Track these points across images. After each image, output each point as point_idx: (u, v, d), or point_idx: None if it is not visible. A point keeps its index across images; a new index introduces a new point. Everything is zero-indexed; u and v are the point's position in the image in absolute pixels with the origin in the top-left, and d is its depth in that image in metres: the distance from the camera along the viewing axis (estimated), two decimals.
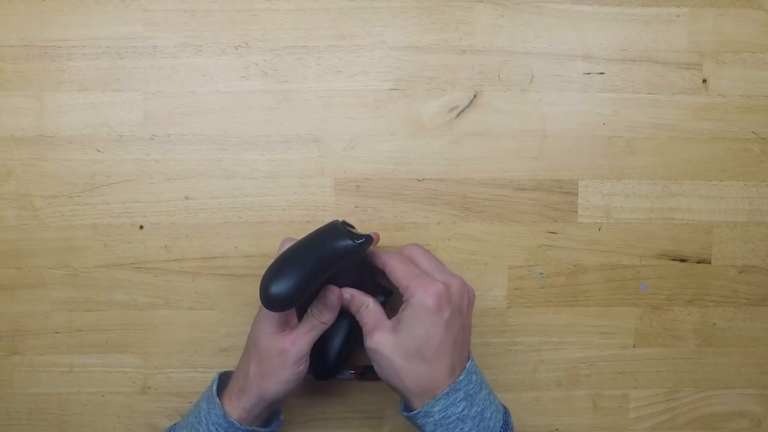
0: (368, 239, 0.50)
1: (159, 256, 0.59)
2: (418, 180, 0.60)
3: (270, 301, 0.47)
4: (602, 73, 0.60)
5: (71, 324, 0.59)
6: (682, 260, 0.61)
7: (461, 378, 0.48)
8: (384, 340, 0.48)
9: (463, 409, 0.48)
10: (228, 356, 0.60)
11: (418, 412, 0.48)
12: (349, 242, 0.49)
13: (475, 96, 0.60)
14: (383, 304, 0.54)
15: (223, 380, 0.54)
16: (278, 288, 0.47)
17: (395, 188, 0.60)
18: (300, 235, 0.59)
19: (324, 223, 0.52)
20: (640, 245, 0.61)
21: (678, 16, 0.61)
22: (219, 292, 0.59)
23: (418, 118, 0.60)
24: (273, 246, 0.59)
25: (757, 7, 0.61)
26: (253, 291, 0.59)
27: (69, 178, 0.58)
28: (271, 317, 0.51)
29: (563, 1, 0.60)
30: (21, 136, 0.58)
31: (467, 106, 0.60)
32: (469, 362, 0.50)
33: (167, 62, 0.58)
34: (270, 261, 0.60)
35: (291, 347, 0.50)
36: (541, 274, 0.61)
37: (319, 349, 0.53)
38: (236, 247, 0.59)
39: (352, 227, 0.52)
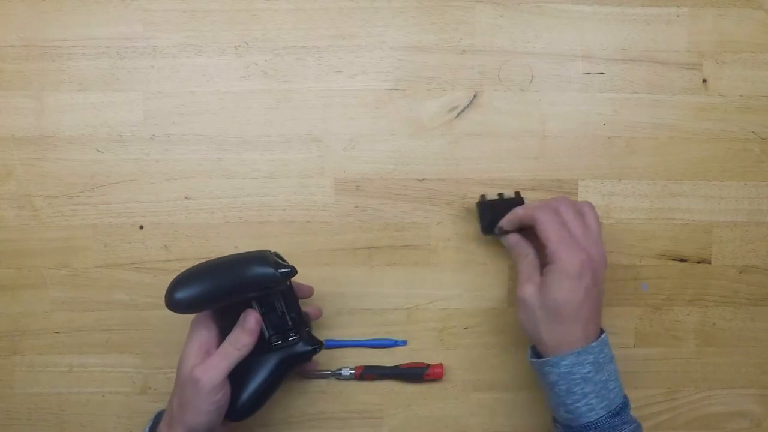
0: (291, 271, 0.51)
1: (159, 256, 0.59)
2: (418, 180, 0.60)
3: (170, 298, 0.49)
4: (602, 73, 0.60)
5: (71, 324, 0.59)
6: (682, 260, 0.61)
7: (594, 344, 0.50)
8: (532, 295, 0.51)
9: (589, 371, 0.50)
10: None
11: (547, 360, 0.51)
12: (270, 270, 0.50)
13: (475, 96, 0.60)
14: (310, 355, 0.54)
15: (160, 419, 0.52)
16: (183, 289, 0.49)
17: (395, 188, 0.60)
18: (299, 236, 0.59)
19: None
20: (640, 245, 0.61)
21: (678, 16, 0.60)
22: None
23: (418, 118, 0.60)
24: (273, 246, 0.59)
25: (757, 7, 0.61)
26: None
27: (69, 178, 0.58)
28: (192, 346, 0.50)
29: (563, 1, 0.60)
30: (21, 136, 0.58)
31: (467, 106, 0.60)
32: (604, 335, 0.52)
33: (167, 62, 0.58)
34: None
35: (202, 376, 0.48)
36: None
37: (235, 385, 0.51)
38: (236, 247, 0.59)
39: (283, 260, 0.52)
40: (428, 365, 0.59)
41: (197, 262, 0.59)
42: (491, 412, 0.61)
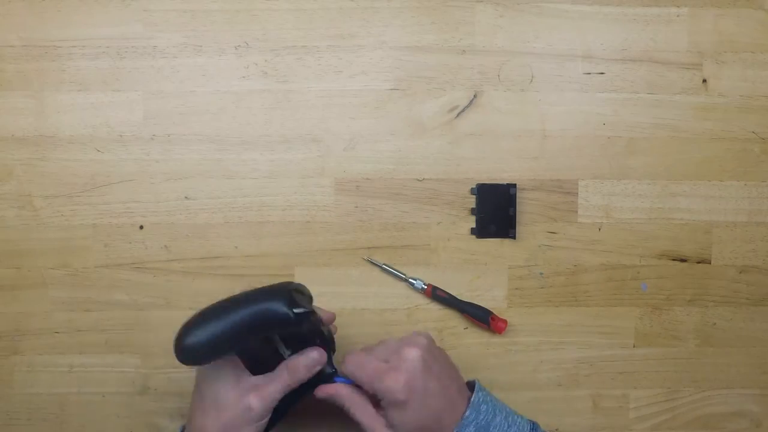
0: (305, 315, 0.47)
1: (159, 256, 0.59)
2: (418, 180, 0.60)
3: (182, 354, 0.45)
4: (602, 73, 0.60)
5: (71, 324, 0.59)
6: (682, 260, 0.61)
7: (467, 414, 0.49)
8: None
9: None
10: None
11: None
12: (284, 310, 0.46)
13: (475, 96, 0.60)
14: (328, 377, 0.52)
15: None
16: (192, 341, 0.45)
17: (395, 188, 0.60)
18: (299, 236, 0.59)
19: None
20: (640, 245, 0.61)
21: (678, 16, 0.61)
22: (219, 292, 0.59)
23: (418, 118, 0.60)
24: (273, 246, 0.59)
25: (757, 7, 0.61)
26: None
27: (69, 178, 0.58)
28: (228, 370, 0.49)
29: (563, 1, 0.60)
30: (21, 136, 0.58)
31: (467, 106, 0.60)
32: (475, 394, 0.50)
33: (167, 62, 0.58)
34: (269, 260, 0.60)
35: (257, 405, 0.48)
36: (541, 274, 0.61)
37: None
38: (236, 247, 0.59)
39: (302, 293, 0.49)
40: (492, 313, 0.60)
41: (199, 262, 0.59)
42: None
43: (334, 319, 0.55)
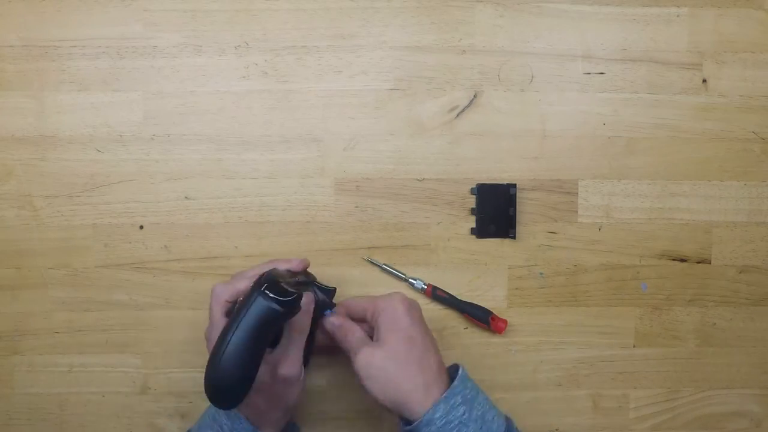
0: (293, 300, 0.46)
1: (159, 256, 0.59)
2: (418, 180, 0.60)
3: (222, 403, 0.45)
4: (602, 73, 0.60)
5: (71, 324, 0.59)
6: (682, 260, 0.61)
7: (456, 383, 0.49)
8: (372, 355, 0.49)
9: (464, 413, 0.48)
10: None
11: (420, 421, 0.47)
12: (274, 308, 0.44)
13: (475, 96, 0.60)
14: (331, 298, 0.54)
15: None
16: (227, 389, 0.44)
17: (395, 188, 0.60)
18: (299, 236, 0.59)
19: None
20: (640, 245, 0.61)
21: (678, 16, 0.61)
22: None
23: (418, 118, 0.60)
24: (273, 246, 0.59)
25: (757, 7, 0.61)
26: None
27: (69, 178, 0.58)
28: None
29: (563, 1, 0.60)
30: (21, 136, 0.58)
31: (467, 106, 0.60)
32: (461, 370, 0.51)
33: (167, 62, 0.58)
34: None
35: (291, 372, 0.50)
36: (541, 274, 0.61)
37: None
38: (236, 247, 0.59)
39: (276, 278, 0.47)
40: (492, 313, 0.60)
41: (199, 262, 0.59)
42: None
43: (304, 262, 0.54)
